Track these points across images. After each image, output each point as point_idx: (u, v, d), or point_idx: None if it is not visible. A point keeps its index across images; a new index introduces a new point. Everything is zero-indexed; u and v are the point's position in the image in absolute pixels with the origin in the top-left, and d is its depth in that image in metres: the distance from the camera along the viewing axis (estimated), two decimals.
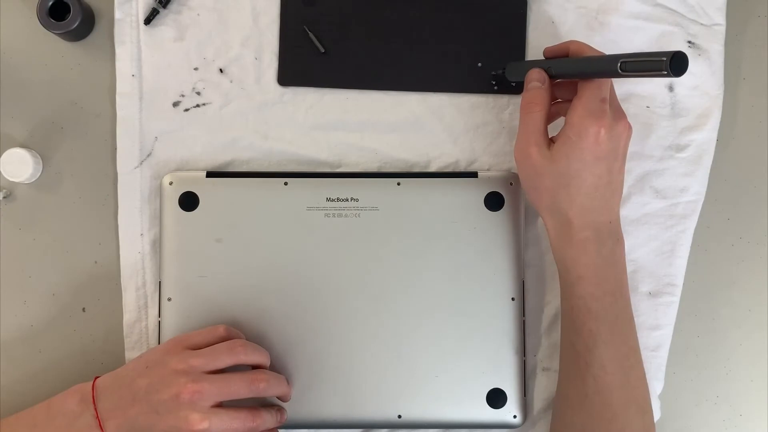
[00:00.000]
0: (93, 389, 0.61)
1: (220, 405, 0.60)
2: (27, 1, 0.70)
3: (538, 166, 0.61)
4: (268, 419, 0.63)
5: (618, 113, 0.62)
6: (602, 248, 0.61)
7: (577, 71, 0.62)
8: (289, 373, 0.67)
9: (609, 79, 0.61)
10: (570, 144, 0.60)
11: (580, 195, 0.61)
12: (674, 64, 0.55)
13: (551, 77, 0.63)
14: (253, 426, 0.61)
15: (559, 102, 0.66)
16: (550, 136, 0.63)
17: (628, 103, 0.70)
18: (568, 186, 0.60)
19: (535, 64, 0.65)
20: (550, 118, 0.64)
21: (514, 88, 0.70)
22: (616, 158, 0.62)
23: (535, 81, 0.63)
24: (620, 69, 0.57)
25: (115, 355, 0.69)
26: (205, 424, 0.58)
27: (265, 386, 0.61)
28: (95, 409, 0.60)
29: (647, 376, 0.69)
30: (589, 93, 0.60)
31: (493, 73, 0.70)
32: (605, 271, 0.62)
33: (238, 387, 0.60)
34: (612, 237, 0.62)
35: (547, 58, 0.66)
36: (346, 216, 0.68)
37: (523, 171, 0.63)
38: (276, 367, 0.67)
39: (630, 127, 0.62)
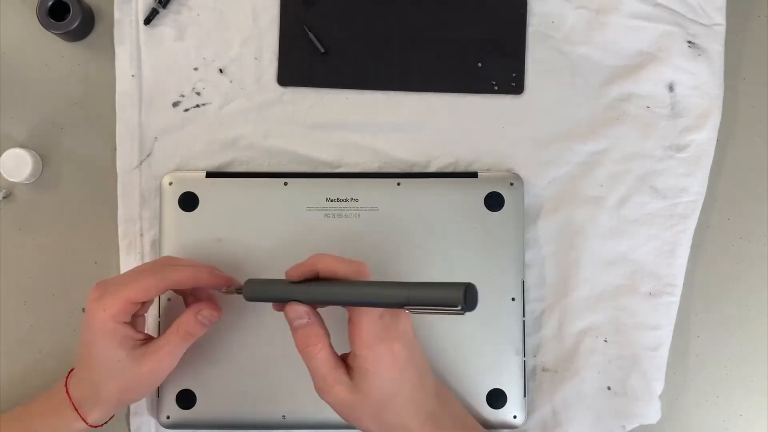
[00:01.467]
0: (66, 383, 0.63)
1: None
2: (27, 1, 0.70)
3: (350, 402, 0.57)
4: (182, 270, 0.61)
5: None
6: (445, 422, 0.59)
7: (348, 302, 0.56)
8: (288, 373, 0.66)
9: None
10: (370, 374, 0.56)
11: (404, 406, 0.57)
12: (468, 296, 0.50)
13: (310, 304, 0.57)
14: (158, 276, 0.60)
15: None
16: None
17: (628, 103, 0.70)
18: (387, 406, 0.57)
19: (291, 291, 0.57)
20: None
21: (514, 88, 0.70)
22: (413, 348, 0.58)
23: (298, 319, 0.57)
24: (407, 304, 0.52)
25: None
26: (99, 290, 0.60)
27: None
28: (67, 393, 0.62)
29: (647, 377, 0.69)
30: (366, 319, 0.55)
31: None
32: None
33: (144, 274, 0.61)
34: (446, 402, 0.61)
35: (295, 282, 0.57)
36: (346, 216, 0.67)
37: (338, 410, 0.58)
38: (275, 368, 0.66)
39: (406, 313, 0.57)
